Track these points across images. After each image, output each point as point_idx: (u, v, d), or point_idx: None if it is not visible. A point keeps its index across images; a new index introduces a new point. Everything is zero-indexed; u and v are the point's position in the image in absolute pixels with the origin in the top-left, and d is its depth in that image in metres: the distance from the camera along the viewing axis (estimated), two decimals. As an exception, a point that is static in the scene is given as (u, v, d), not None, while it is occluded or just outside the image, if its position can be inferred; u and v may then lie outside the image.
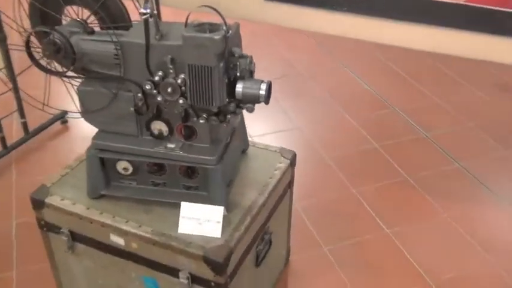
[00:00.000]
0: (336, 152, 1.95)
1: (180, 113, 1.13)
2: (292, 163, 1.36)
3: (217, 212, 1.14)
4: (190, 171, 1.21)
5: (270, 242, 1.28)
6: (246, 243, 1.16)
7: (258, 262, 1.25)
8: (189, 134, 1.16)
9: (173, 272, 1.15)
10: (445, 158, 1.96)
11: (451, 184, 1.89)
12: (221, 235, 1.12)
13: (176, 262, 1.13)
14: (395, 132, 2.09)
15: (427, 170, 1.93)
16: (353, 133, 2.09)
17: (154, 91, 1.07)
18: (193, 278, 1.12)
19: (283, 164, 1.35)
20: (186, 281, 1.13)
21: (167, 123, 1.16)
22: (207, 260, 1.08)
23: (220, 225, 1.14)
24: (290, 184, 1.37)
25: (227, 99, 1.03)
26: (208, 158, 1.13)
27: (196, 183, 1.20)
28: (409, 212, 1.77)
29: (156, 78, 1.05)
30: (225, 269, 1.08)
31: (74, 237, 1.19)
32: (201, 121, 1.10)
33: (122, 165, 1.19)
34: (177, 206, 1.20)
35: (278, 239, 1.36)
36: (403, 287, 1.47)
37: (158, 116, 1.13)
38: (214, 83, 0.99)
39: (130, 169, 1.22)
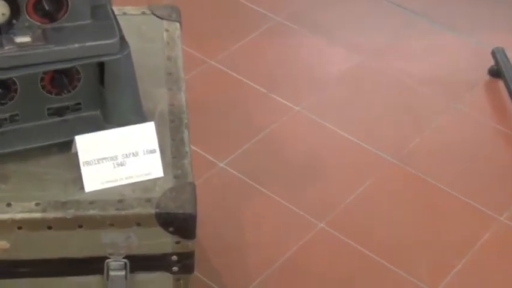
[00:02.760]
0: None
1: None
2: (181, 24, 1.49)
3: (145, 133, 1.19)
4: (66, 80, 1.20)
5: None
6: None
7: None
8: (55, 9, 1.13)
9: (91, 266, 1.17)
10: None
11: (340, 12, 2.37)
12: (162, 171, 1.20)
13: (97, 246, 1.16)
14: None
15: (300, 2, 2.35)
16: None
17: None
18: (134, 263, 1.19)
19: (171, 30, 1.47)
20: (121, 273, 1.18)
21: (7, -3, 1.09)
22: (164, 219, 1.15)
23: (158, 156, 1.19)
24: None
25: None
26: (105, 42, 1.16)
27: (75, 100, 1.22)
28: (307, 72, 2.15)
29: None
30: (195, 223, 1.17)
31: None
32: (86, -24, 1.10)
33: None
34: (54, 151, 1.20)
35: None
36: (356, 176, 1.90)
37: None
38: None
39: None
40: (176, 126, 1.30)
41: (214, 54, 2.12)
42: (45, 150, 1.20)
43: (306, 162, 1.91)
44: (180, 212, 1.16)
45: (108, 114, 1.24)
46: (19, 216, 1.13)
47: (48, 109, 1.21)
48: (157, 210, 1.16)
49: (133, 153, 1.20)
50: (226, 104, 2.00)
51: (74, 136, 1.18)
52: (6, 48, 1.11)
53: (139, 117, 1.24)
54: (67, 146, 1.20)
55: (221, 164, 1.88)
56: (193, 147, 1.88)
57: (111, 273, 1.19)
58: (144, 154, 1.21)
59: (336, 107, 2.06)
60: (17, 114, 1.19)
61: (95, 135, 1.19)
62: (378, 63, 2.20)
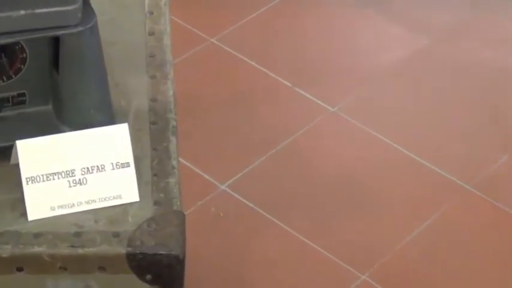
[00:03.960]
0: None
1: None
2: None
3: (115, 139, 1.22)
4: (5, 61, 1.21)
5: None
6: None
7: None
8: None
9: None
10: None
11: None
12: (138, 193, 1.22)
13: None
14: None
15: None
16: None
17: None
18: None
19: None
20: None
21: None
22: (138, 262, 1.16)
23: (133, 171, 1.22)
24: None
25: None
26: (62, 8, 1.18)
27: (18, 89, 1.25)
28: (349, 59, 2.20)
29: None
30: (183, 268, 1.20)
31: None
32: None
33: None
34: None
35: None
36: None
37: None
38: None
39: None
40: (160, 131, 1.32)
41: (217, 29, 2.13)
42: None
43: (343, 186, 1.91)
44: (162, 252, 1.18)
45: (63, 111, 1.26)
46: None
47: (-21, 101, 1.22)
48: (130, 249, 1.18)
49: (97, 168, 1.22)
50: (231, 101, 2.01)
51: (14, 141, 1.20)
52: None
53: (107, 115, 1.26)
54: (4, 155, 1.22)
55: (222, 187, 1.88)
56: (183, 161, 1.90)
57: None
58: (113, 169, 1.23)
59: (388, 109, 2.07)
60: None
61: (44, 140, 1.20)
62: (450, 48, 2.21)
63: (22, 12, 1.17)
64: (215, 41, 2.10)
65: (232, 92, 2.04)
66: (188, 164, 1.86)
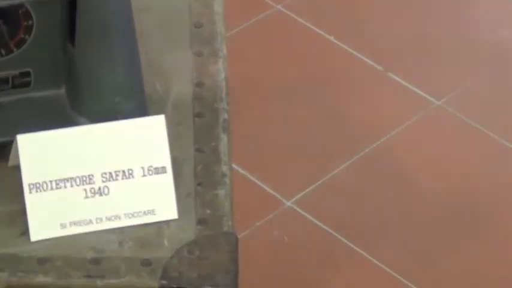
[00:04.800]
0: None
1: None
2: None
3: (148, 135, 1.22)
4: (5, 30, 1.22)
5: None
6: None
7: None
8: None
9: None
10: None
11: None
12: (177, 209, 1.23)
13: None
14: None
15: None
16: None
17: None
18: None
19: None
20: None
21: None
22: None
23: (170, 179, 1.23)
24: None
25: None
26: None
27: (21, 67, 1.27)
28: (460, 36, 2.20)
29: None
30: None
31: None
32: None
33: None
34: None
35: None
36: None
37: None
38: None
39: None
40: (207, 126, 1.33)
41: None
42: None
43: (451, 206, 1.92)
44: (208, 287, 1.19)
45: (79, 97, 1.28)
46: None
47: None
48: (165, 282, 1.19)
49: (123, 173, 1.23)
50: (302, 88, 2.01)
51: (14, 135, 1.21)
52: None
53: (138, 104, 1.28)
54: (0, 153, 1.24)
55: (288, 203, 1.89)
56: (237, 168, 1.91)
57: None
58: (144, 175, 1.24)
59: (510, 103, 2.04)
60: None
61: (53, 134, 1.21)
62: None
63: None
64: (281, 8, 2.11)
65: (303, 76, 2.04)
66: (243, 172, 1.87)
